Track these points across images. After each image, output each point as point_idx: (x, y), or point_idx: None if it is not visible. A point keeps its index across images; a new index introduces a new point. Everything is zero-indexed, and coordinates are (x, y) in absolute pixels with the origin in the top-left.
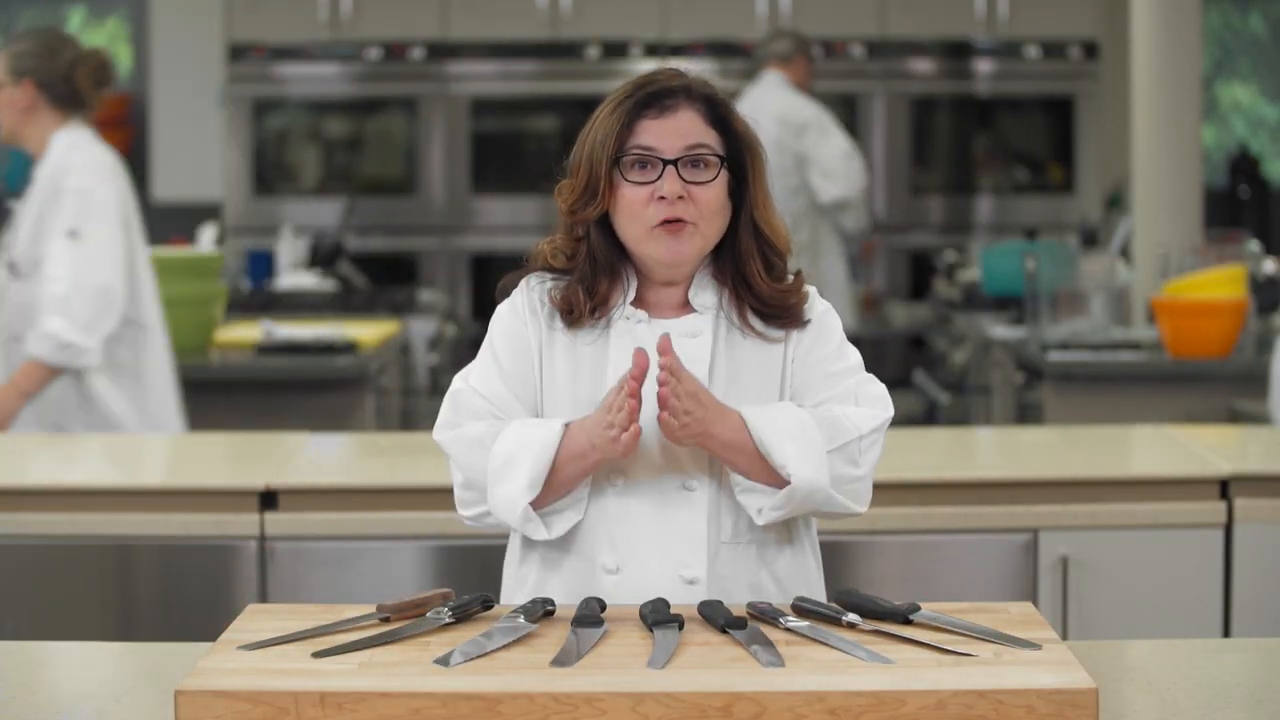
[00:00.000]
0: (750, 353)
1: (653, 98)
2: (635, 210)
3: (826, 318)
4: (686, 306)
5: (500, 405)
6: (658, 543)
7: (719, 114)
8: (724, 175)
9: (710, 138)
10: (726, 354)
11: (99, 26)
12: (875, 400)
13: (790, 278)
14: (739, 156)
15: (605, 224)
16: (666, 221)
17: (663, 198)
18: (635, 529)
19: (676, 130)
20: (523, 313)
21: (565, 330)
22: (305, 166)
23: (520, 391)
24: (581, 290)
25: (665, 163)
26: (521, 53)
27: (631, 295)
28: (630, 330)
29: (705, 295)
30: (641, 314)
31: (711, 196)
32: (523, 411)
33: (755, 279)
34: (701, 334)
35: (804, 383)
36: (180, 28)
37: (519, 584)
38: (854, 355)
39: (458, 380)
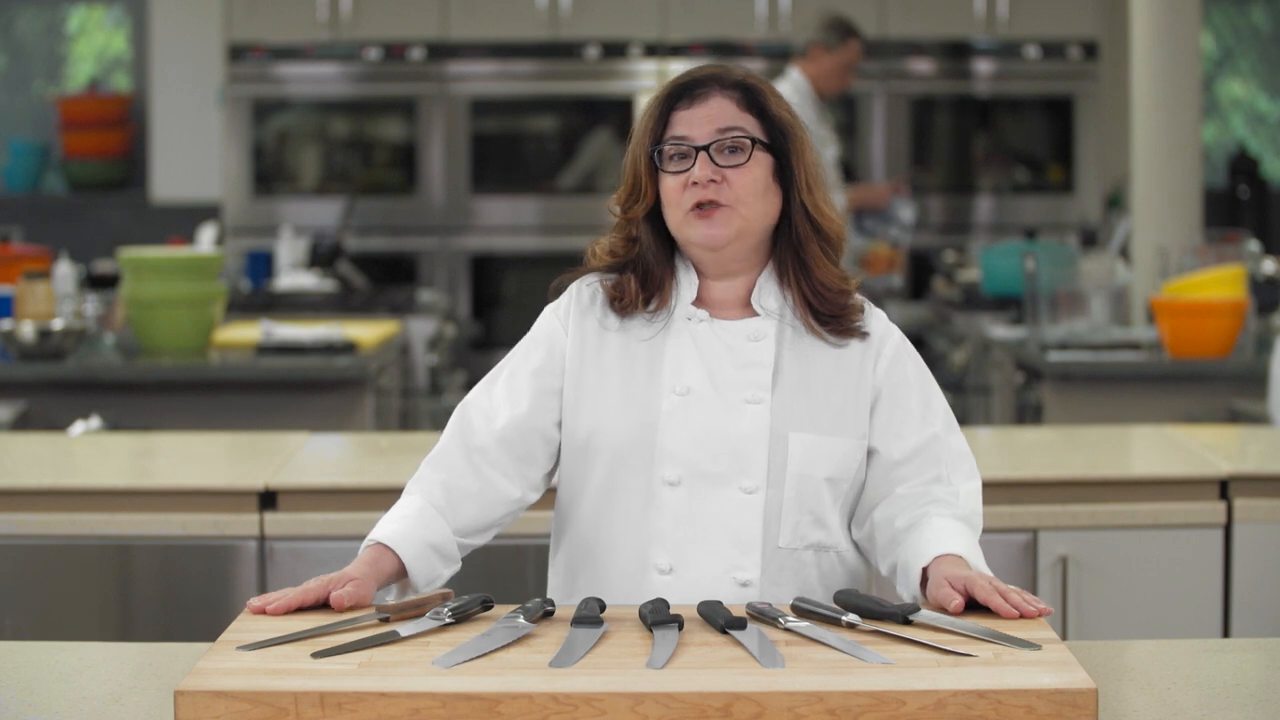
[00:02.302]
0: (818, 360)
1: (684, 89)
2: (673, 198)
3: (903, 346)
4: (749, 309)
5: (509, 424)
6: (712, 544)
7: (754, 99)
8: (763, 159)
9: (745, 122)
10: (793, 359)
11: (99, 27)
12: (969, 473)
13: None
14: (779, 140)
15: (657, 223)
16: (700, 205)
17: (695, 183)
18: (690, 530)
19: (707, 117)
20: (566, 317)
21: (620, 328)
22: (305, 166)
23: (539, 399)
24: (635, 279)
25: (697, 149)
26: (521, 53)
27: (693, 294)
28: (690, 329)
29: (768, 299)
30: (702, 313)
31: (747, 180)
32: (528, 427)
33: (816, 264)
34: (765, 337)
35: (890, 415)
36: (180, 28)
37: (569, 581)
38: (936, 393)
39: (475, 391)
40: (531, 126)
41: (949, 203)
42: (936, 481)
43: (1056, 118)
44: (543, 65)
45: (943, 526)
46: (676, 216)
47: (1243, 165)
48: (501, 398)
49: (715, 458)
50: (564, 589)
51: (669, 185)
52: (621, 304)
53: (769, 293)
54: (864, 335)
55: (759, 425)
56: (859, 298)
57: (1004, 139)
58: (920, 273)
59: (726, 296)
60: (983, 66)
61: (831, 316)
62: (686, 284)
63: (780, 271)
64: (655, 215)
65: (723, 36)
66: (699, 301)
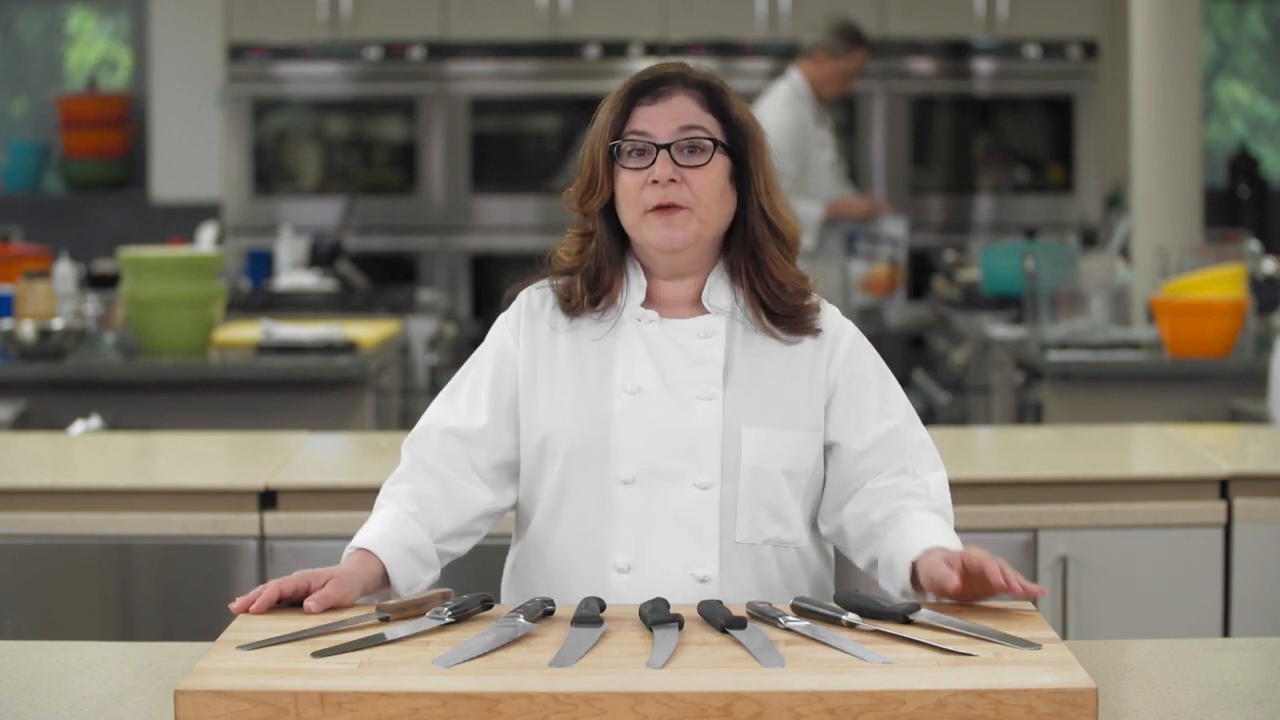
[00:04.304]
0: (770, 356)
1: (648, 85)
2: (631, 196)
3: (859, 341)
4: (699, 307)
5: (471, 437)
6: (669, 541)
7: (716, 99)
8: (722, 160)
9: (706, 122)
10: (744, 355)
11: (99, 26)
12: (934, 464)
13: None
14: (739, 142)
15: (612, 217)
16: (660, 207)
17: (655, 181)
18: (646, 528)
19: (670, 115)
20: (516, 326)
21: (570, 329)
22: (305, 166)
23: (497, 409)
24: (582, 281)
25: (658, 147)
26: (521, 52)
27: (641, 296)
28: (640, 330)
29: (719, 297)
30: (652, 314)
31: (707, 181)
32: (491, 434)
33: (774, 264)
34: (715, 334)
35: (850, 408)
36: (180, 28)
37: (525, 585)
38: (894, 386)
39: (435, 406)
40: (531, 126)
41: (949, 202)
42: (903, 473)
43: (1056, 117)
44: (543, 65)
45: (924, 520)
46: (634, 215)
47: (1243, 165)
48: (463, 411)
49: (669, 455)
50: (520, 589)
51: (626, 182)
52: (569, 305)
53: (720, 291)
54: (817, 332)
55: (711, 421)
56: (815, 296)
57: (1004, 139)
58: (920, 272)
59: (676, 295)
60: (983, 66)
61: (787, 316)
62: (636, 284)
63: (732, 271)
64: (611, 210)
65: (723, 36)
66: (648, 301)
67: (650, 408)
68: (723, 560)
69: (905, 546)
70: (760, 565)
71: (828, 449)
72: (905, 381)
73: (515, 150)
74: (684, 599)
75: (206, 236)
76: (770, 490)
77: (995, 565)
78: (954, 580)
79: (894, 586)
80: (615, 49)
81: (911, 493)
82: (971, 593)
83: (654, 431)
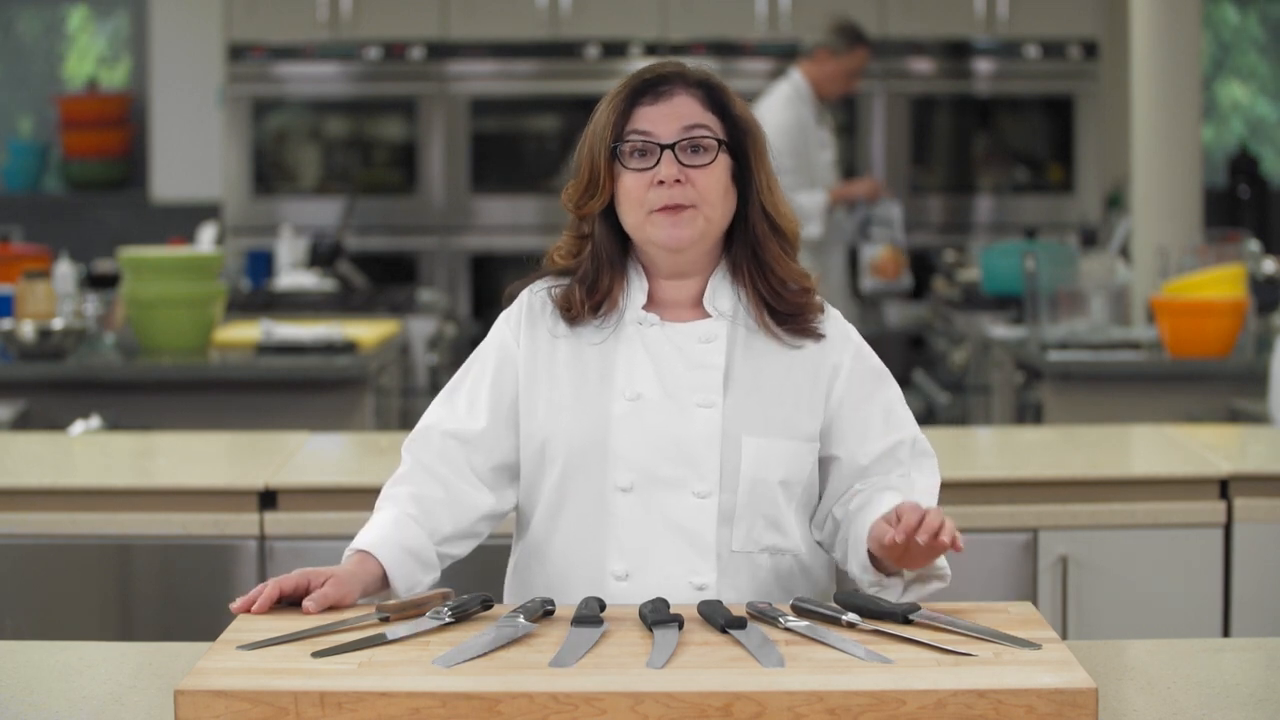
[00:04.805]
0: (771, 362)
1: (648, 85)
2: (635, 197)
3: (862, 351)
4: (701, 309)
5: (471, 439)
6: (667, 549)
7: (717, 98)
8: (724, 160)
9: (708, 121)
10: (746, 361)
11: (99, 27)
12: (930, 471)
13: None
14: (740, 141)
15: (611, 219)
16: (665, 207)
17: (661, 182)
18: (645, 535)
19: (673, 114)
20: (517, 326)
21: (570, 334)
22: (305, 166)
23: (497, 410)
24: (581, 289)
25: (662, 147)
26: (521, 52)
27: (643, 298)
28: (641, 334)
29: (721, 299)
30: (653, 317)
31: (711, 180)
32: (491, 437)
33: (777, 262)
34: (716, 339)
35: (854, 421)
36: (180, 28)
37: (526, 588)
38: (897, 396)
39: (435, 407)
40: (531, 126)
41: (949, 202)
42: (898, 476)
43: (1056, 117)
44: (543, 65)
45: (891, 499)
46: (637, 216)
47: (1243, 165)
48: (462, 413)
49: (668, 462)
50: (519, 594)
51: (629, 183)
52: (569, 314)
53: (722, 293)
54: (820, 336)
55: (711, 429)
56: (818, 298)
57: (1004, 139)
58: (920, 272)
59: (678, 297)
60: (983, 66)
61: (790, 316)
62: (637, 287)
63: (734, 271)
64: (610, 212)
65: (723, 36)
66: (649, 303)
67: (649, 414)
68: (720, 568)
69: (864, 519)
70: (758, 573)
71: (830, 461)
72: (905, 381)
73: (515, 150)
74: (679, 604)
75: (206, 236)
76: (768, 499)
77: (934, 512)
78: (889, 535)
79: (856, 562)
80: (615, 49)
81: (894, 486)
82: (915, 551)
83: (653, 438)
